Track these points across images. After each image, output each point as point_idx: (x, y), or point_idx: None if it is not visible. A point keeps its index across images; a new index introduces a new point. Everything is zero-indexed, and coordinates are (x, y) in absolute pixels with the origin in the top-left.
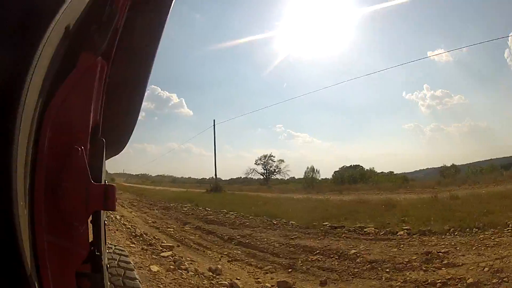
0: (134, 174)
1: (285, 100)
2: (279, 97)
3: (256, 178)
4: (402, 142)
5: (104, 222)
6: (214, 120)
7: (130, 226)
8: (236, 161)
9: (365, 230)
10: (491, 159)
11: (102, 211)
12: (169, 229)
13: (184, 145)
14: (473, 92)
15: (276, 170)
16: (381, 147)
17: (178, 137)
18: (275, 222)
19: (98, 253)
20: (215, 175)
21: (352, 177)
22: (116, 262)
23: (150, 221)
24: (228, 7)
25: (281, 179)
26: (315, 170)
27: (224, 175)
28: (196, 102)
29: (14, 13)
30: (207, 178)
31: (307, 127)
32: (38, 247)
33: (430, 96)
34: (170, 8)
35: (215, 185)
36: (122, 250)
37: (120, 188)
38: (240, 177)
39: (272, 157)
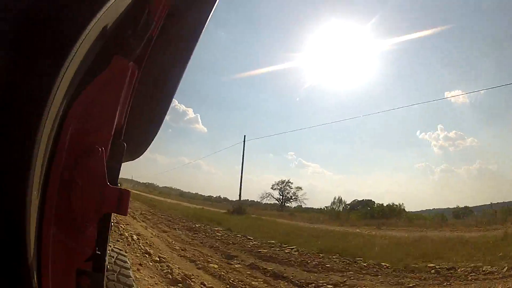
0: (141, 182)
1: (305, 127)
2: (295, 123)
3: (269, 203)
4: (411, 181)
5: (111, 224)
6: (244, 136)
7: (157, 258)
8: (244, 184)
9: (482, 270)
10: (497, 202)
11: (112, 214)
12: (210, 264)
13: (195, 161)
14: (487, 135)
15: (293, 197)
16: (389, 184)
17: (190, 152)
18: (364, 264)
19: (102, 253)
20: (240, 196)
21: (381, 211)
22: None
23: (177, 247)
24: (252, 33)
25: (298, 206)
26: (342, 201)
27: (231, 196)
28: (211, 120)
29: (55, 6)
30: (214, 196)
31: (318, 157)
32: (43, 239)
33: (443, 137)
34: (205, 22)
35: (238, 207)
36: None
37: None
38: (248, 199)
39: (289, 183)
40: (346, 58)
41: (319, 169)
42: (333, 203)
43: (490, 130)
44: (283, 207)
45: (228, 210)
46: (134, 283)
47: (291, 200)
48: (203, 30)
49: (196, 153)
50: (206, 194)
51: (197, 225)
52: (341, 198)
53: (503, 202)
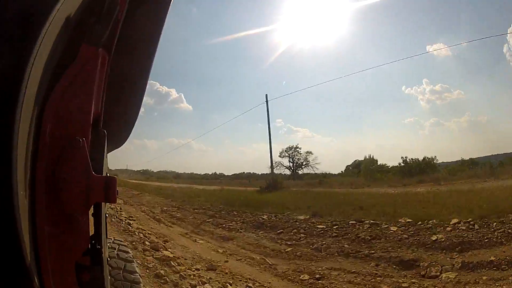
0: (135, 170)
1: (296, 91)
2: (280, 90)
3: (279, 173)
4: (402, 136)
5: (106, 216)
6: (266, 95)
7: None
8: (237, 157)
9: None
10: (492, 155)
11: (103, 204)
12: None
13: (184, 140)
14: (473, 87)
15: (304, 164)
16: (381, 141)
17: (178, 132)
18: None
19: (99, 246)
20: (272, 168)
21: (418, 167)
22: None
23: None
24: (226, 1)
25: (311, 173)
26: (374, 161)
27: (227, 170)
28: (195, 97)
29: (13, 4)
30: (210, 173)
31: (307, 121)
32: (38, 237)
33: (429, 91)
34: (171, 0)
35: (273, 181)
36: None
37: (133, 187)
38: (244, 172)
39: (298, 149)
40: (324, 18)
41: (308, 133)
42: (364, 162)
43: (476, 81)
44: (295, 175)
45: (260, 187)
46: (140, 278)
47: (303, 167)
48: (170, 6)
49: (184, 133)
50: (202, 172)
51: (253, 215)
52: (372, 157)
53: (502, 153)
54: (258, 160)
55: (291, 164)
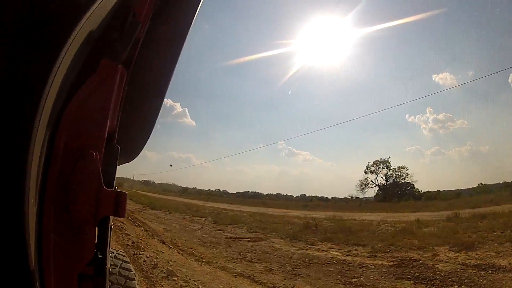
0: (136, 180)
1: (314, 131)
2: (283, 114)
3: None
4: (402, 164)
5: (111, 227)
6: None
7: None
8: (237, 176)
9: None
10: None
11: (111, 217)
12: None
13: (185, 154)
14: (476, 116)
15: (400, 181)
16: None
17: (180, 146)
18: None
19: (102, 257)
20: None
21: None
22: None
23: None
24: (237, 21)
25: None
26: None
27: (229, 188)
28: (199, 113)
29: (40, 14)
30: (213, 189)
31: (308, 145)
32: (44, 245)
33: (432, 120)
34: (192, 21)
35: None
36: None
37: (153, 203)
38: (248, 191)
39: (388, 163)
40: (332, 46)
41: (309, 157)
42: None
43: (479, 112)
44: (387, 197)
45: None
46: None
47: (399, 185)
48: (190, 28)
49: (186, 147)
50: (204, 188)
51: None
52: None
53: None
54: (262, 179)
55: (385, 182)
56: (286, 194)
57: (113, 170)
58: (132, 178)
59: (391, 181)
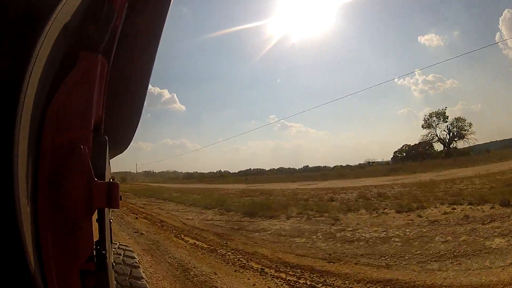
0: (134, 172)
1: (312, 108)
2: (271, 87)
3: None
4: (396, 128)
5: (110, 221)
6: None
7: None
8: (234, 155)
9: None
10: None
11: (107, 210)
12: None
13: (178, 140)
14: (466, 76)
15: (458, 135)
16: (375, 134)
17: (173, 132)
18: None
19: (103, 251)
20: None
21: None
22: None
23: None
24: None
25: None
26: None
27: (230, 168)
28: (188, 97)
29: (11, 12)
30: (214, 171)
31: (300, 116)
32: (42, 245)
33: (422, 81)
34: (169, 5)
35: None
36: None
37: (186, 195)
38: (250, 168)
39: (445, 116)
40: (316, 13)
41: (302, 128)
42: None
43: (467, 70)
44: (450, 150)
45: None
46: (147, 284)
47: (456, 140)
48: (168, 10)
49: (178, 133)
50: (205, 171)
51: None
52: None
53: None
54: (258, 155)
55: (448, 135)
56: (289, 168)
57: (103, 162)
58: (135, 170)
59: (449, 135)
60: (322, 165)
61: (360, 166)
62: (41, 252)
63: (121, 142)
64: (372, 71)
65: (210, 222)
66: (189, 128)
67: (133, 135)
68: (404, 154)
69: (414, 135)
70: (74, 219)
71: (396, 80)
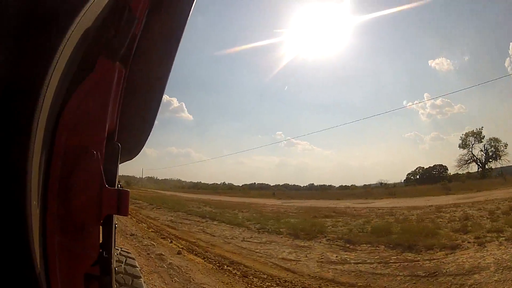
0: (137, 176)
1: (328, 128)
2: (279, 103)
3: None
4: (401, 151)
5: (115, 226)
6: None
7: None
8: (238, 167)
9: None
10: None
11: (114, 216)
12: None
13: (184, 149)
14: (474, 100)
15: (493, 156)
16: (380, 155)
17: (178, 141)
18: None
19: (107, 256)
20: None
21: None
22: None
23: None
24: (231, 11)
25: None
26: None
27: (234, 180)
28: (196, 106)
29: (35, 14)
30: (218, 183)
31: (307, 134)
32: (48, 247)
33: (430, 105)
34: (188, 15)
35: None
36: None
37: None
38: (255, 183)
39: (481, 135)
40: (328, 34)
41: (308, 146)
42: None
43: (476, 95)
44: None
45: None
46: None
47: (491, 160)
48: (187, 22)
49: (184, 142)
50: (209, 182)
51: None
52: None
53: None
54: (262, 170)
55: (484, 156)
56: (294, 184)
57: (115, 169)
58: (138, 174)
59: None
60: (327, 184)
61: (371, 186)
62: (47, 254)
63: (132, 149)
64: (381, 91)
65: (348, 268)
66: (195, 138)
67: (144, 143)
68: (418, 176)
69: (420, 159)
70: (83, 223)
71: (404, 102)
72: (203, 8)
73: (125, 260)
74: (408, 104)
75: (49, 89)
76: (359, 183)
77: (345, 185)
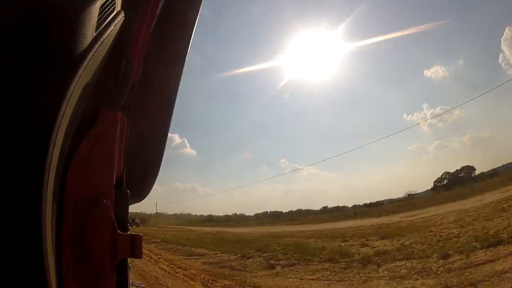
0: (147, 212)
1: (334, 156)
2: (280, 131)
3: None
4: (407, 164)
5: (128, 266)
6: None
7: None
8: (245, 198)
9: None
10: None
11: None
12: None
13: (189, 184)
14: (472, 103)
15: None
16: (386, 171)
17: (183, 176)
18: None
19: None
20: None
21: None
22: None
23: None
24: (225, 47)
25: None
26: None
27: (245, 210)
28: (199, 142)
29: (36, 76)
30: (230, 214)
31: (310, 159)
32: None
33: (430, 115)
34: (185, 57)
35: None
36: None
37: None
38: (267, 211)
39: None
40: (324, 58)
41: (313, 171)
42: None
43: (475, 97)
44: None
45: None
46: None
47: None
48: (185, 60)
49: (189, 177)
50: (220, 214)
51: None
52: None
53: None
54: (269, 198)
55: None
56: (307, 209)
57: (125, 214)
58: (148, 210)
59: None
60: (341, 205)
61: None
62: None
63: (140, 192)
64: (381, 108)
65: None
66: (200, 172)
67: (153, 185)
68: (445, 182)
69: (426, 169)
70: (98, 270)
71: (404, 116)
72: (199, 46)
73: None
74: (408, 117)
75: (58, 139)
76: (373, 199)
77: (359, 204)
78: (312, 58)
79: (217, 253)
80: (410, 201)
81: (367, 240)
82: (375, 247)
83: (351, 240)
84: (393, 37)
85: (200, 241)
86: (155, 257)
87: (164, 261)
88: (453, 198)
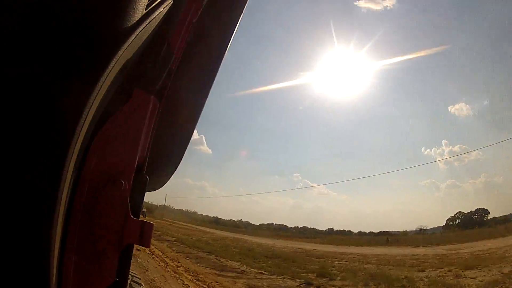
0: (153, 203)
1: (351, 179)
2: (297, 145)
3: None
4: (417, 198)
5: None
6: None
7: None
8: (252, 206)
9: None
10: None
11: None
12: None
13: (199, 182)
14: (492, 147)
15: None
16: (395, 203)
17: (195, 173)
18: None
19: (121, 282)
20: None
21: None
22: None
23: None
24: (257, 53)
25: None
26: None
27: (250, 218)
28: (216, 141)
29: (81, 41)
30: (235, 220)
31: (323, 177)
32: (65, 265)
33: (448, 152)
34: (225, 53)
35: None
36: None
37: None
38: (272, 223)
39: None
40: (348, 79)
41: (324, 190)
42: None
43: (495, 141)
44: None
45: None
46: None
47: None
48: (223, 59)
49: (200, 175)
50: (226, 218)
51: None
52: None
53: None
54: (276, 210)
55: None
56: (313, 228)
57: (141, 200)
58: (155, 200)
59: None
60: (347, 229)
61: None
62: (62, 274)
63: (158, 181)
64: (400, 137)
65: None
66: (212, 172)
67: (171, 176)
68: (458, 221)
69: (436, 207)
70: (103, 248)
71: (423, 149)
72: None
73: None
74: (426, 151)
75: (88, 116)
76: (379, 229)
77: (365, 231)
78: (338, 77)
79: (262, 273)
80: (424, 236)
81: (449, 270)
82: (473, 278)
83: (428, 270)
84: (426, 66)
85: (225, 250)
86: (172, 264)
87: (187, 273)
88: (482, 237)
